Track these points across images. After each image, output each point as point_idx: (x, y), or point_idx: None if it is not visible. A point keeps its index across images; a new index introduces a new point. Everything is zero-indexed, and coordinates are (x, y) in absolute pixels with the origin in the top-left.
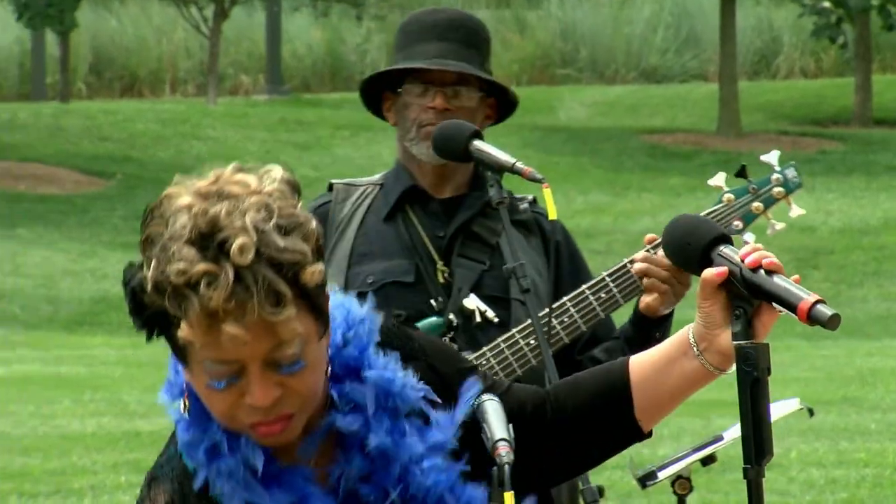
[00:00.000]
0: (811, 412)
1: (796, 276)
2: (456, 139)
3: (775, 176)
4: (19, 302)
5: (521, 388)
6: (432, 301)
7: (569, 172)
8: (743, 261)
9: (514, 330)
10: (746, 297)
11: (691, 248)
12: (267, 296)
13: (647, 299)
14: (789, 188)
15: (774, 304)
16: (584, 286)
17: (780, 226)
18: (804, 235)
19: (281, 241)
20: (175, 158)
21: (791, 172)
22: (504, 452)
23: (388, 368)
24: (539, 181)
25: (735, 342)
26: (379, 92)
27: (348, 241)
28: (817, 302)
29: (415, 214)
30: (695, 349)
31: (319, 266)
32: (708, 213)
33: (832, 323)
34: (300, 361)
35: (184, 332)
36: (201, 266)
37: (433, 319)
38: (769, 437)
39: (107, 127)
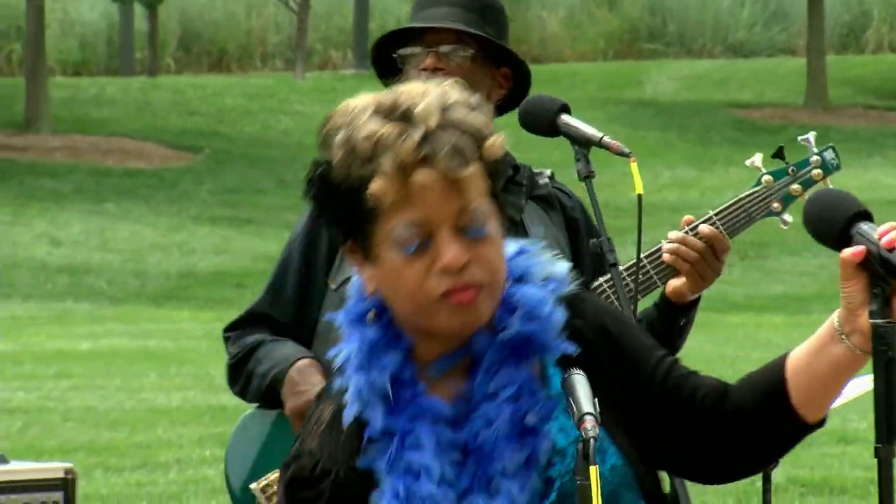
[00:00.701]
0: None
1: None
2: (543, 113)
3: (814, 158)
4: (107, 276)
5: (702, 377)
6: None
7: (656, 147)
8: (881, 239)
9: None
10: (884, 275)
11: (831, 223)
12: (453, 153)
13: (674, 283)
14: (828, 170)
15: None
16: (621, 267)
17: None
18: (892, 210)
19: (462, 112)
20: (262, 133)
21: (829, 154)
22: (590, 426)
23: (549, 319)
24: (626, 155)
25: (871, 321)
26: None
27: None
28: None
29: None
30: (840, 333)
31: (501, 138)
32: (747, 195)
33: None
34: (484, 229)
35: (376, 187)
36: (389, 126)
37: None
38: None
39: (195, 102)
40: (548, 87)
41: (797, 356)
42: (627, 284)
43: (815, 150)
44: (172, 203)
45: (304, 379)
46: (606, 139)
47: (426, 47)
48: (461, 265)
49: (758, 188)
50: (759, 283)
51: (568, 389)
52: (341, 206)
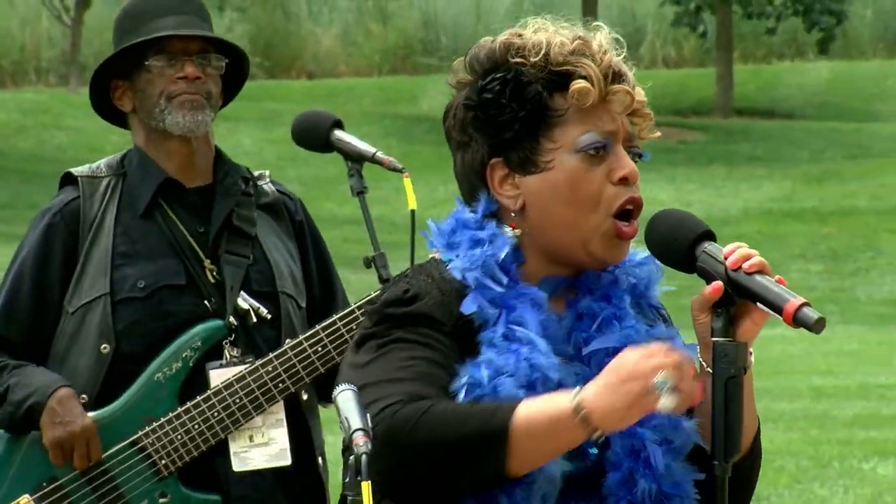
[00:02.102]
0: None
1: (779, 277)
2: (316, 129)
3: None
4: None
5: None
6: (206, 302)
7: (431, 162)
8: (726, 259)
9: (301, 337)
10: (730, 294)
11: (676, 244)
12: (634, 79)
13: None
14: None
15: (759, 304)
16: (353, 305)
17: None
18: None
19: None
20: (36, 149)
21: None
22: (362, 442)
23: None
24: (399, 171)
25: (714, 339)
26: (105, 84)
27: (106, 240)
28: (803, 305)
29: (171, 209)
30: (704, 365)
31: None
32: None
33: (818, 326)
34: (642, 155)
35: (580, 86)
36: (582, 42)
37: (213, 323)
38: (739, 434)
39: None
40: (323, 102)
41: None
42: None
43: None
44: None
45: (66, 409)
46: (380, 155)
47: (181, 55)
48: (637, 179)
49: None
50: None
51: (337, 406)
52: (522, 109)
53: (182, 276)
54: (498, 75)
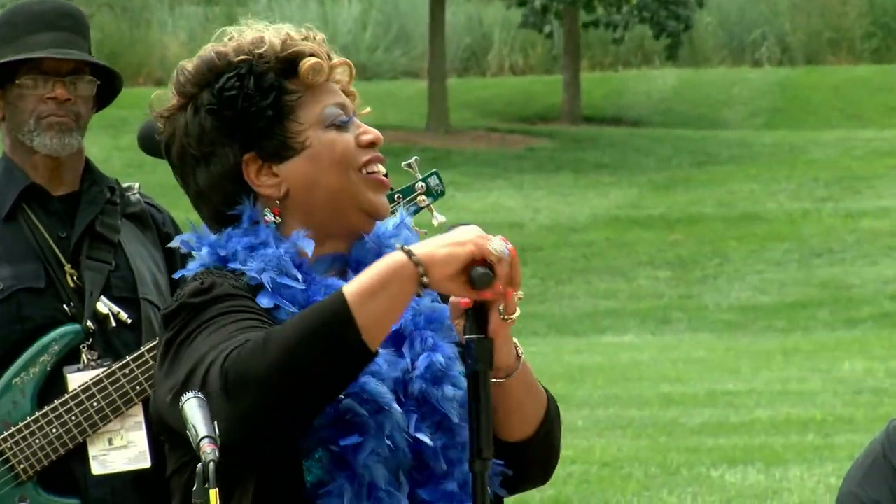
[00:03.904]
0: None
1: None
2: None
3: (419, 184)
4: None
5: None
6: (65, 307)
7: None
8: None
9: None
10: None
11: None
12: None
13: None
14: (433, 196)
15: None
16: None
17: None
18: (512, 232)
19: None
20: None
21: (434, 180)
22: (209, 450)
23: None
24: None
25: (466, 336)
26: None
27: None
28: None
29: (34, 214)
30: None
31: None
32: None
33: (482, 280)
34: None
35: (312, 63)
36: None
37: (70, 327)
38: (489, 429)
39: None
40: None
41: None
42: None
43: (420, 175)
44: None
45: None
46: None
47: (44, 74)
48: (381, 143)
49: None
50: None
51: (184, 415)
52: (266, 98)
53: (42, 279)
54: (231, 73)
